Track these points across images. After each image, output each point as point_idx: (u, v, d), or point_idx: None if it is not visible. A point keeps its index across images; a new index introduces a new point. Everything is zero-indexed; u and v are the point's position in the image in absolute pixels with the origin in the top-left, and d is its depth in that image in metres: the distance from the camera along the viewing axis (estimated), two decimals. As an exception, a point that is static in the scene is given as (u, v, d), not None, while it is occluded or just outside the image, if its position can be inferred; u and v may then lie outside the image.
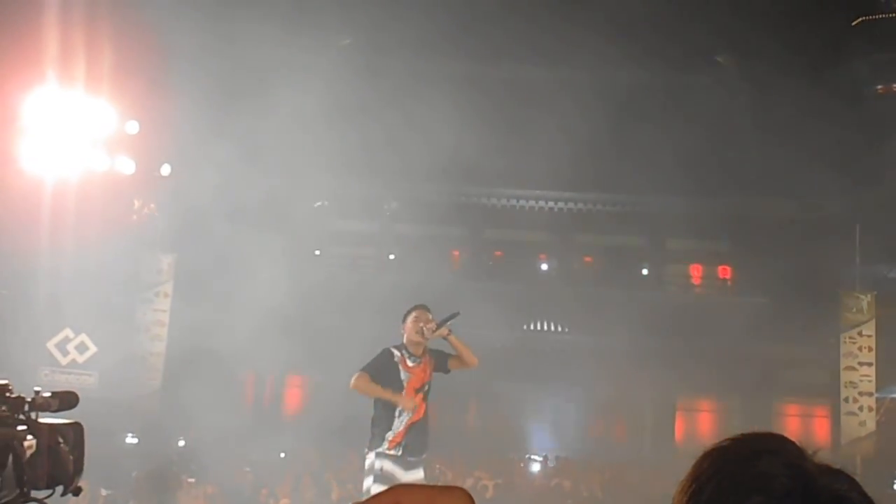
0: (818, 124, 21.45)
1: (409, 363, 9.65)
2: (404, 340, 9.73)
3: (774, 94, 24.31)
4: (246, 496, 17.49)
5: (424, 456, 9.79)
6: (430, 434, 9.84)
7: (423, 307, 9.89)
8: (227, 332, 20.46)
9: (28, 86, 16.67)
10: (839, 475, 1.54)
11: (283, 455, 22.16)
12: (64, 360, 21.05)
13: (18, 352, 19.86)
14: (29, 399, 2.39)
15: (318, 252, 29.02)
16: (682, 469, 1.67)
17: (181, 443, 21.87)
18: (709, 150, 24.22)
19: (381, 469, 9.35)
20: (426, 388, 9.76)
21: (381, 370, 9.54)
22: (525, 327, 26.36)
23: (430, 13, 24.03)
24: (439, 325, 9.64)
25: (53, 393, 2.46)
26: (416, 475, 9.56)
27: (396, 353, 9.67)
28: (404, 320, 9.82)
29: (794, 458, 1.55)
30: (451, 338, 9.69)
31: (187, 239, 21.71)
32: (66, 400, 2.48)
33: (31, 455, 2.30)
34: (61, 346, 21.09)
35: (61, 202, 17.58)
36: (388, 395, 9.56)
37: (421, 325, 9.66)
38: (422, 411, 9.69)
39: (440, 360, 9.88)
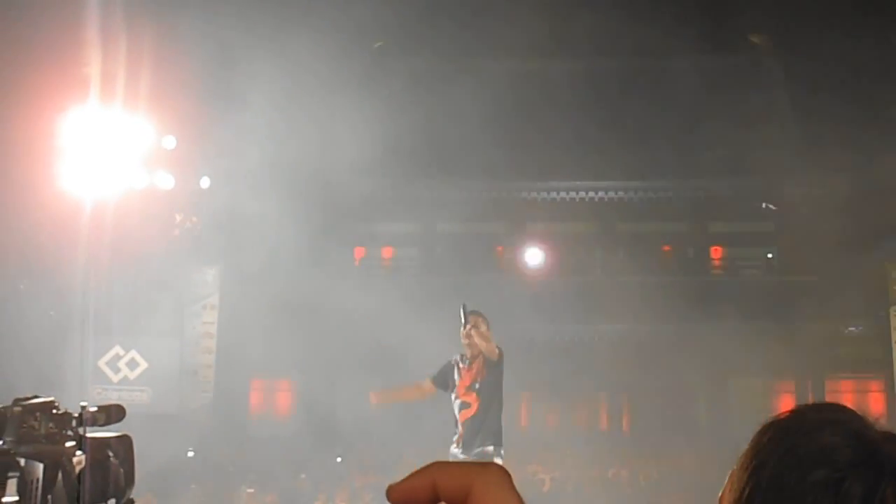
0: (853, 94, 21.30)
1: (462, 365, 10.07)
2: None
3: (807, 67, 24.12)
4: (304, 502, 17.58)
5: (482, 449, 9.88)
6: (491, 427, 10.00)
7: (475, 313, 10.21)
8: (274, 340, 20.54)
9: (63, 105, 16.79)
10: None
11: (339, 459, 22.23)
12: (115, 378, 21.22)
13: (70, 372, 20.01)
14: (76, 414, 2.38)
15: (362, 255, 29.09)
16: (736, 452, 1.64)
17: (237, 453, 21.97)
18: (747, 130, 24.06)
19: None
20: (476, 385, 9.98)
21: (442, 373, 10.32)
22: (572, 319, 26.29)
23: (460, 11, 24.06)
24: (463, 325, 10.03)
25: (100, 407, 2.46)
26: None
27: (456, 356, 10.14)
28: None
29: (856, 428, 1.52)
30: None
31: (231, 250, 21.80)
32: (113, 413, 2.48)
33: (80, 470, 2.29)
34: (112, 364, 21.26)
35: (103, 220, 17.68)
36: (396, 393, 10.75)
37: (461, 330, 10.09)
38: (475, 407, 9.94)
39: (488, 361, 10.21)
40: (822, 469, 1.46)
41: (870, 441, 1.49)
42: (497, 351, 10.00)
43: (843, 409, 1.59)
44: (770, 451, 1.54)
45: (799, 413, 1.61)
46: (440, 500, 0.80)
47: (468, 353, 10.06)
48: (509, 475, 0.81)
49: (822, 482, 1.45)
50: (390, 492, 0.83)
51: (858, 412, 1.58)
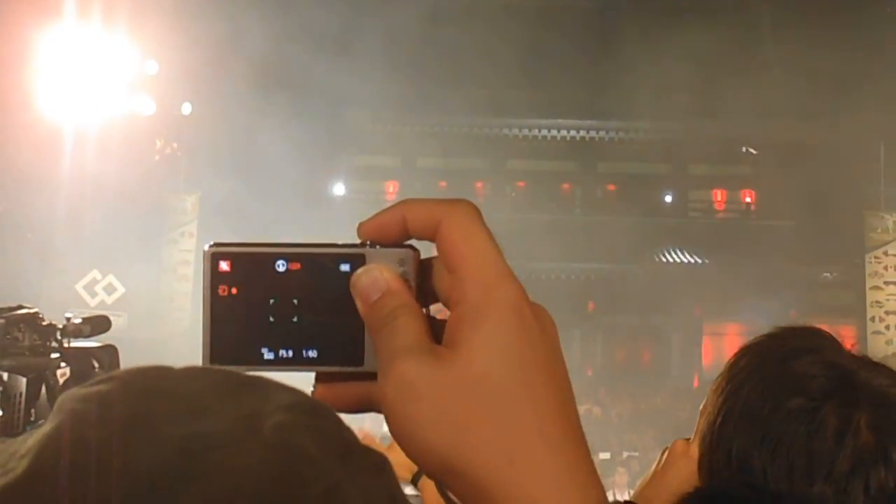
0: (835, 44, 21.23)
1: None
2: None
3: (789, 15, 24.00)
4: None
5: None
6: None
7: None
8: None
9: (44, 25, 16.60)
10: (879, 369, 1.52)
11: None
12: (93, 302, 21.10)
13: (48, 294, 19.94)
14: (60, 326, 2.37)
15: (341, 188, 29.02)
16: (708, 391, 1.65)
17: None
18: (729, 74, 23.99)
19: None
20: None
21: None
22: (548, 257, 26.32)
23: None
24: None
25: (84, 318, 2.44)
26: None
27: None
28: None
29: (832, 356, 1.53)
30: None
31: (210, 178, 21.69)
32: (98, 324, 2.47)
33: (65, 381, 2.29)
34: (89, 288, 21.13)
35: (82, 144, 17.55)
36: None
37: None
38: None
39: None
40: (798, 398, 1.47)
41: (845, 370, 1.50)
42: None
43: (820, 335, 1.60)
44: (745, 376, 1.55)
45: (775, 338, 1.61)
46: (410, 235, 0.82)
47: None
48: (478, 210, 0.82)
49: (797, 411, 1.46)
50: (361, 227, 0.84)
51: (835, 338, 1.59)
